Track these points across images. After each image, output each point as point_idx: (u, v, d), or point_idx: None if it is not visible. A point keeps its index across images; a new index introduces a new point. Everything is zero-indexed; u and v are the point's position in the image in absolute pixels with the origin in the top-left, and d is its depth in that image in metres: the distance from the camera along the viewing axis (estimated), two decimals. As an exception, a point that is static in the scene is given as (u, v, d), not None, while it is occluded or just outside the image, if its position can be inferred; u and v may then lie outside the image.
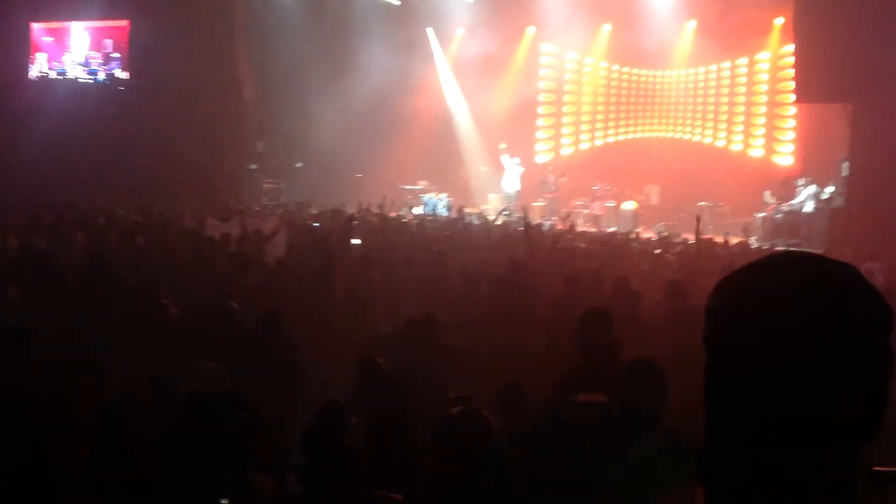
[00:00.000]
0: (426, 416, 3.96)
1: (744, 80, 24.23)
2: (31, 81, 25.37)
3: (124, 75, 24.88)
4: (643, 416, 3.92)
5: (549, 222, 19.20)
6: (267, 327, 7.26)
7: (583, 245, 14.02)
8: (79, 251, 10.66)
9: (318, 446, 3.22)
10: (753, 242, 18.12)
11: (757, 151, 24.07)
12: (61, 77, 25.51)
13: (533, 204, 22.06)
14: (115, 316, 7.02)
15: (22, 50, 25.36)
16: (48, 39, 25.79)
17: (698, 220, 13.27)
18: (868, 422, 1.17)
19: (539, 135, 26.83)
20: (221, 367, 6.08)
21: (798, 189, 19.71)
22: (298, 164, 25.51)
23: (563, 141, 26.87)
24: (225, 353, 6.48)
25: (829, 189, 18.64)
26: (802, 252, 1.29)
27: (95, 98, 24.32)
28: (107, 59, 25.22)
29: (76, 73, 25.46)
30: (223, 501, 2.77)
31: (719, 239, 14.62)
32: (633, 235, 15.78)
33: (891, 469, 1.25)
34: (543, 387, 5.72)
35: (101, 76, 25.23)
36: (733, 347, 1.21)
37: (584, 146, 26.67)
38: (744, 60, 24.07)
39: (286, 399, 6.88)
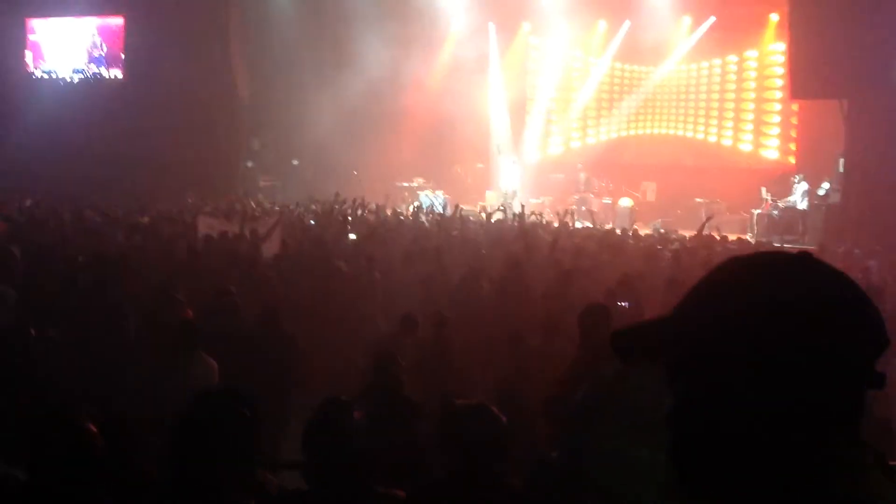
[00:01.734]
0: (430, 412, 3.97)
1: (739, 76, 24.22)
2: (27, 78, 25.33)
3: (114, 73, 24.87)
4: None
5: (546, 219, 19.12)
6: (266, 324, 7.28)
7: (577, 240, 14.03)
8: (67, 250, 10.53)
9: (320, 443, 3.22)
10: (751, 239, 18.18)
11: (753, 148, 24.08)
12: (47, 76, 25.48)
13: (531, 200, 22.08)
14: (129, 315, 7.02)
15: (19, 46, 25.31)
16: (33, 38, 25.73)
17: (708, 219, 13.34)
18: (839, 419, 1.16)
19: (534, 132, 26.78)
20: (213, 361, 6.07)
21: (793, 186, 19.80)
22: (294, 162, 25.49)
23: (556, 139, 26.82)
24: (225, 348, 6.48)
25: (825, 185, 18.69)
26: (758, 256, 1.26)
27: (87, 96, 24.31)
28: (93, 58, 25.19)
29: (62, 71, 25.44)
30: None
31: (716, 235, 14.63)
32: (630, 232, 15.77)
33: None
34: (542, 383, 5.74)
35: (88, 74, 25.23)
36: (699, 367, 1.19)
37: (581, 143, 26.63)
38: (738, 57, 24.07)
39: (285, 395, 6.90)
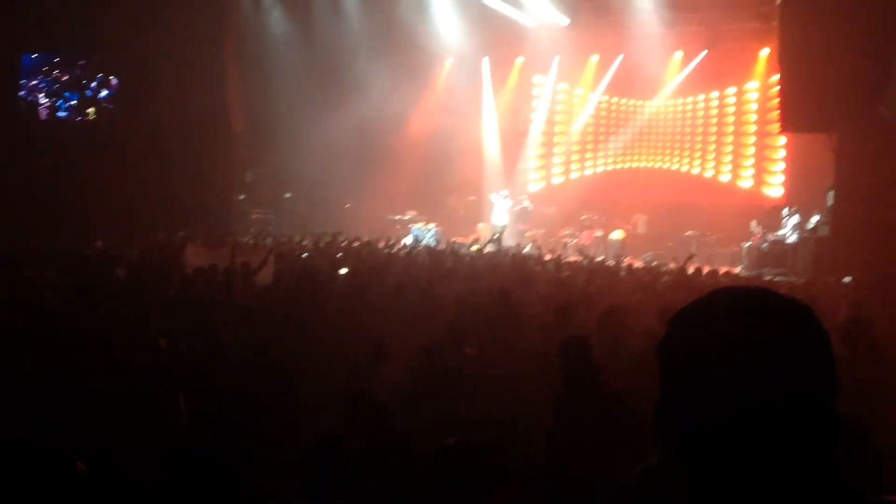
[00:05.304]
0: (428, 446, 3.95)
1: (731, 109, 24.38)
2: (17, 116, 25.17)
3: (102, 107, 24.87)
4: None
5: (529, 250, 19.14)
6: (258, 356, 7.27)
7: (567, 273, 14.06)
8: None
9: (314, 479, 3.22)
10: (742, 272, 18.23)
11: (745, 182, 24.20)
12: (44, 113, 25.41)
13: (526, 234, 22.17)
14: (110, 349, 6.98)
15: (12, 82, 25.20)
16: (24, 76, 25.64)
17: (690, 257, 13.42)
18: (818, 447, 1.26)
19: (529, 164, 26.93)
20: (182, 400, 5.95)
21: (784, 219, 19.87)
22: (287, 195, 25.53)
23: (554, 171, 26.99)
24: (216, 382, 6.46)
25: (815, 218, 18.77)
26: (750, 288, 1.37)
27: (76, 130, 24.24)
28: (81, 94, 25.24)
29: (50, 108, 25.40)
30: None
31: (706, 268, 14.70)
32: (621, 265, 15.82)
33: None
34: (536, 415, 5.74)
35: (74, 109, 25.24)
36: (683, 384, 1.31)
37: (574, 175, 26.78)
38: (731, 90, 24.26)
39: (279, 429, 6.88)
